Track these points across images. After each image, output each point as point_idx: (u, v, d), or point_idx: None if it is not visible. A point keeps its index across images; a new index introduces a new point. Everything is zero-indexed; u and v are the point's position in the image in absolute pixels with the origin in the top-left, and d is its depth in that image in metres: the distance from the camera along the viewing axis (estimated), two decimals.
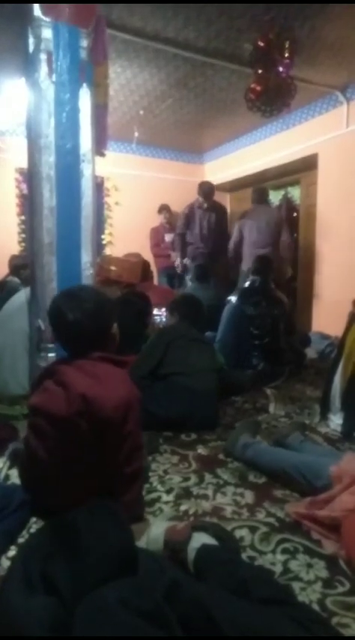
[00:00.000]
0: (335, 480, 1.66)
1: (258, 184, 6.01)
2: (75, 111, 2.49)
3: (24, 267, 4.23)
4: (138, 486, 1.64)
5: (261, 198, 5.36)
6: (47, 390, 1.61)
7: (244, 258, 5.20)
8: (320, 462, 1.81)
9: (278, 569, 1.41)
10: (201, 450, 2.27)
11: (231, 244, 5.39)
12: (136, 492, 1.61)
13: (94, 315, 1.64)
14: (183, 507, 1.75)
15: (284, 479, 1.89)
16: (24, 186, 5.88)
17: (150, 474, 2.00)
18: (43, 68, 2.42)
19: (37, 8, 2.37)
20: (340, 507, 1.52)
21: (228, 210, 7.27)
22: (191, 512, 1.72)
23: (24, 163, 2.82)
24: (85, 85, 2.51)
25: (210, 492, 1.86)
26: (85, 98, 2.52)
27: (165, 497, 1.82)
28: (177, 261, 5.72)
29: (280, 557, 1.46)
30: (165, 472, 2.04)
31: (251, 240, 5.15)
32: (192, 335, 2.89)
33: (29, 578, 1.08)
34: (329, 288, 5.23)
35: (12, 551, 1.47)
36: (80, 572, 1.06)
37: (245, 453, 2.07)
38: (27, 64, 2.60)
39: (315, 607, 1.25)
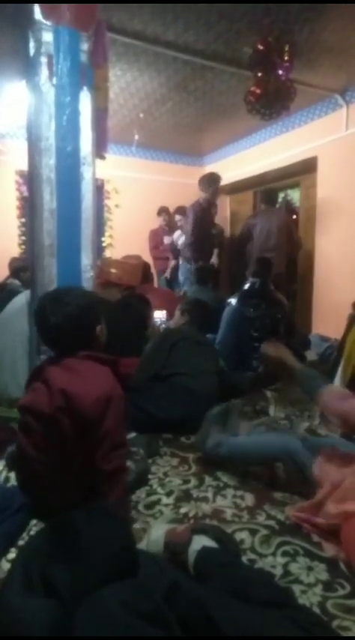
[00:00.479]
0: (318, 482, 1.69)
1: (258, 187, 6.03)
2: (75, 114, 2.50)
3: (24, 269, 4.24)
4: (122, 487, 1.62)
5: (271, 199, 5.34)
6: (34, 389, 1.65)
7: (251, 260, 5.17)
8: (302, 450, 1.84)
9: (278, 571, 1.40)
10: (200, 453, 2.26)
11: (237, 241, 5.39)
12: (120, 493, 1.58)
13: (76, 319, 1.66)
14: (183, 510, 1.75)
15: (268, 465, 1.94)
16: (24, 189, 5.89)
17: (150, 476, 2.00)
18: (44, 71, 2.43)
19: (37, 12, 2.38)
20: (333, 514, 1.53)
21: (228, 212, 7.30)
22: (191, 514, 1.72)
23: (24, 166, 2.82)
24: (85, 88, 2.52)
25: (210, 495, 1.86)
26: (85, 101, 2.52)
27: (165, 500, 1.82)
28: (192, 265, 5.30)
29: (280, 559, 1.46)
30: (165, 475, 2.04)
31: (259, 242, 5.14)
32: (195, 338, 2.89)
33: (29, 581, 1.07)
34: (329, 291, 5.23)
35: (12, 554, 1.47)
36: (80, 573, 1.06)
37: (219, 452, 2.04)
38: (27, 67, 2.60)
39: (316, 610, 1.25)
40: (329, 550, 1.48)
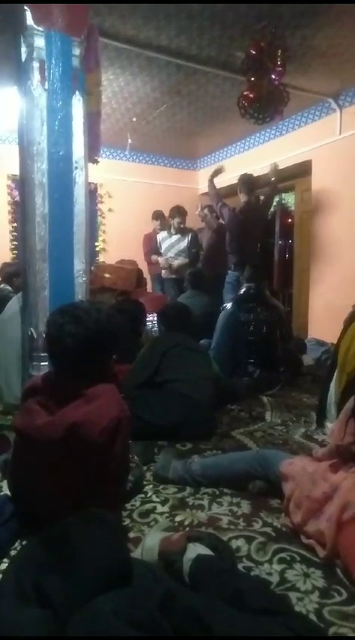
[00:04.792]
0: (283, 476, 1.72)
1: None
2: (67, 118, 2.49)
3: (16, 274, 4.21)
4: (119, 509, 1.60)
5: None
6: (30, 411, 1.54)
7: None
8: (270, 454, 1.91)
9: (274, 579, 1.39)
10: (196, 460, 2.24)
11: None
12: (117, 511, 1.56)
13: (95, 344, 1.54)
14: (178, 518, 1.73)
15: (244, 478, 1.91)
16: (16, 193, 5.87)
17: (145, 483, 1.98)
18: (36, 76, 2.42)
19: (29, 17, 2.38)
20: (312, 532, 1.53)
21: None
22: (186, 522, 1.70)
23: (16, 170, 2.81)
24: (77, 92, 2.51)
25: (205, 503, 1.84)
26: (77, 106, 2.52)
27: (160, 508, 1.80)
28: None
29: (277, 566, 1.44)
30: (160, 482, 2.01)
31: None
32: (186, 344, 2.88)
33: (22, 590, 1.06)
34: (324, 294, 5.23)
35: (4, 564, 1.44)
36: (73, 583, 1.04)
37: (190, 470, 1.98)
38: (19, 72, 2.60)
39: (312, 617, 1.23)
40: (321, 552, 1.47)
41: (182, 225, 5.48)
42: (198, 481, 1.95)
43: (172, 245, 5.56)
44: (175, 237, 5.53)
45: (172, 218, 5.50)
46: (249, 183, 4.96)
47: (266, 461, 1.84)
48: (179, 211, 5.46)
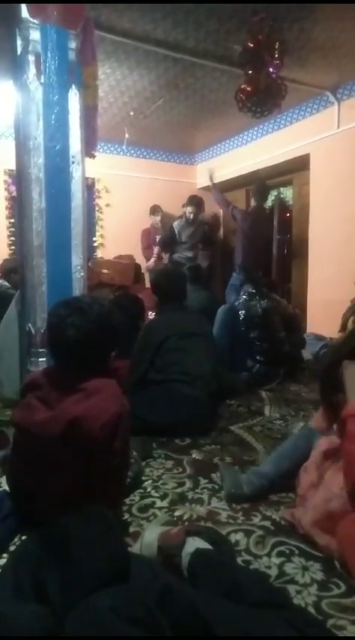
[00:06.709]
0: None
1: (250, 185, 6.02)
2: (64, 112, 2.48)
3: (14, 270, 4.19)
4: (119, 505, 1.60)
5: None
6: (29, 406, 1.54)
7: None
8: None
9: (273, 572, 1.39)
10: (195, 455, 2.24)
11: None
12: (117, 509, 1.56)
13: (98, 337, 1.54)
14: (177, 513, 1.73)
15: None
16: (13, 189, 5.84)
17: (144, 478, 1.98)
18: (32, 70, 2.41)
19: (25, 10, 2.36)
20: (312, 507, 1.53)
21: (221, 211, 7.29)
22: (185, 517, 1.70)
23: (13, 165, 2.80)
24: (73, 86, 2.50)
25: (205, 497, 1.84)
26: (74, 99, 2.51)
27: (159, 503, 1.80)
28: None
29: (275, 560, 1.45)
30: (159, 477, 2.01)
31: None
32: (183, 327, 2.78)
33: (20, 587, 1.06)
34: (323, 289, 5.23)
35: (2, 560, 1.45)
36: (71, 579, 1.04)
37: (264, 475, 1.86)
38: (15, 66, 2.58)
39: (311, 610, 1.24)
40: (321, 540, 1.47)
41: (192, 215, 5.60)
42: (277, 482, 1.84)
43: (193, 235, 5.71)
44: (193, 227, 5.69)
45: (186, 206, 5.64)
46: (261, 188, 5.30)
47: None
48: (191, 201, 5.61)
